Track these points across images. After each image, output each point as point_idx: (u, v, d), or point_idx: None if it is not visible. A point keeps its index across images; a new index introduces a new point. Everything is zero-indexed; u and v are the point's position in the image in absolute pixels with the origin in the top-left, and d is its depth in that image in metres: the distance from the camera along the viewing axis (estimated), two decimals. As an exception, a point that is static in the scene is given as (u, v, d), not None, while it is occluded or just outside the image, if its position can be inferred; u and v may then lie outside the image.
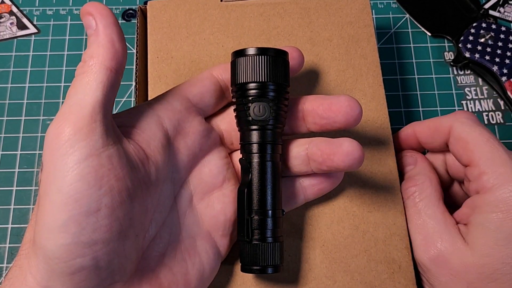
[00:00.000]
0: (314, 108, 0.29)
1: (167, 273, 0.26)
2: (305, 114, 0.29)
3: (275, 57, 0.27)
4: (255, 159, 0.28)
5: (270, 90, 0.27)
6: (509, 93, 0.41)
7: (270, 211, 0.27)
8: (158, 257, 0.26)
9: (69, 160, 0.22)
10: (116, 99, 0.27)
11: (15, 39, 0.45)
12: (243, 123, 0.28)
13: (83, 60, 0.24)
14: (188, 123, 0.28)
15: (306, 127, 0.30)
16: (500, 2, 0.46)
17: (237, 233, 0.28)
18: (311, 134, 0.30)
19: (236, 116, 0.29)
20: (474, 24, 0.43)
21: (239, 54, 0.28)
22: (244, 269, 0.28)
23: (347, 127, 0.28)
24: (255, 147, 0.28)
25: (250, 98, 0.27)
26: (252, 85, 0.27)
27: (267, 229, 0.27)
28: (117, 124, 0.25)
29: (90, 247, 0.22)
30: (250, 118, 0.27)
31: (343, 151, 0.27)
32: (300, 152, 0.29)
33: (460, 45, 0.43)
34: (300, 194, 0.30)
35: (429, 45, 0.45)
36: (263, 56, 0.27)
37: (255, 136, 0.28)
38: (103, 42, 0.24)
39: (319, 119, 0.29)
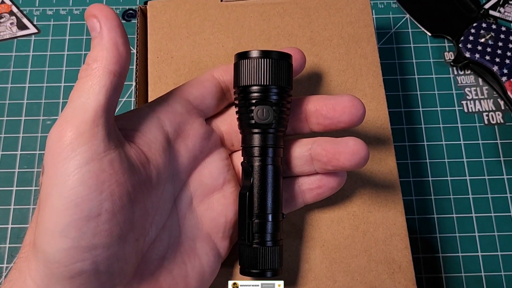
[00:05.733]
0: (317, 109, 0.29)
1: (167, 276, 0.26)
2: (308, 115, 0.29)
3: (279, 60, 0.27)
4: (257, 162, 0.28)
5: (273, 94, 0.27)
6: (509, 93, 0.41)
7: (270, 215, 0.27)
8: (158, 260, 0.26)
9: (71, 164, 0.22)
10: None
11: (15, 39, 0.45)
12: (245, 126, 0.28)
13: (87, 63, 0.24)
14: (189, 125, 0.28)
15: (309, 128, 0.30)
16: (500, 2, 0.46)
17: (238, 237, 0.28)
18: (312, 134, 0.30)
19: (238, 119, 0.29)
20: (474, 24, 0.43)
21: (243, 56, 0.28)
22: (243, 272, 0.28)
23: (351, 127, 0.28)
24: (257, 151, 0.28)
25: (253, 101, 0.27)
26: (255, 88, 0.27)
27: (267, 232, 0.27)
28: (118, 127, 0.25)
29: (90, 251, 0.22)
30: (253, 121, 0.27)
31: (349, 150, 0.27)
32: (304, 152, 0.29)
33: (460, 45, 0.43)
34: (299, 197, 0.30)
35: (429, 45, 0.45)
36: (267, 59, 0.27)
37: (257, 139, 0.28)
38: (107, 45, 0.23)
39: (323, 120, 0.29)
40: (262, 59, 0.27)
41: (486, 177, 0.40)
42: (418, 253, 0.38)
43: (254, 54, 0.27)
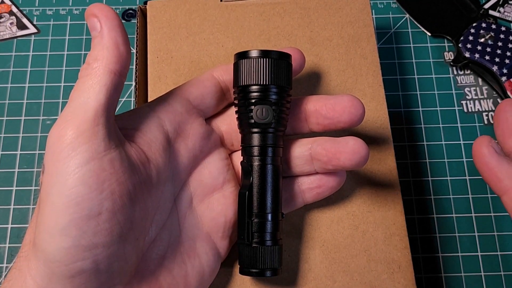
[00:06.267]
0: (317, 109, 0.29)
1: (166, 276, 0.26)
2: (307, 115, 0.29)
3: (278, 60, 0.27)
4: (256, 162, 0.28)
5: (273, 93, 0.27)
6: (509, 93, 0.41)
7: (270, 215, 0.27)
8: (158, 259, 0.26)
9: (71, 163, 0.22)
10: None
11: (15, 39, 0.45)
12: (245, 125, 0.28)
13: (87, 63, 0.24)
14: (189, 125, 0.28)
15: (308, 128, 0.30)
16: (500, 2, 0.46)
17: (237, 236, 0.28)
18: (312, 134, 0.30)
19: (238, 119, 0.29)
20: (474, 24, 0.43)
21: (242, 56, 0.28)
22: (242, 272, 0.28)
23: (351, 127, 0.29)
24: (256, 150, 0.28)
25: (253, 100, 0.27)
26: (255, 87, 0.27)
27: (266, 232, 0.27)
28: (119, 126, 0.25)
29: (90, 250, 0.22)
30: (253, 121, 0.27)
31: (349, 149, 0.27)
32: (304, 152, 0.29)
33: (460, 45, 0.43)
34: (298, 197, 0.30)
35: (429, 45, 0.45)
36: (266, 59, 0.27)
37: (256, 139, 0.28)
38: (108, 45, 0.23)
39: (322, 120, 0.29)
40: (262, 59, 0.27)
41: (486, 177, 0.40)
42: (417, 253, 0.38)
43: (254, 54, 0.27)
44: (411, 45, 0.45)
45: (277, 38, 0.35)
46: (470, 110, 0.43)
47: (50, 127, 0.23)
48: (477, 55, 0.42)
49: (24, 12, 0.47)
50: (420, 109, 0.43)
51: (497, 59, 0.42)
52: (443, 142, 0.42)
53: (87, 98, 0.23)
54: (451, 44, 0.45)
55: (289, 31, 0.35)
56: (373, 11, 0.46)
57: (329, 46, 0.35)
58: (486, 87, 0.43)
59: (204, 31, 0.35)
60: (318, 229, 0.31)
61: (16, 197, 0.40)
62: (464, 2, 0.45)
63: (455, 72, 0.44)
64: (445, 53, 0.45)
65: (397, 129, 0.42)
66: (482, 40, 0.43)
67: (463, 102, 0.43)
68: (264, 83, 0.27)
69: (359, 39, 0.35)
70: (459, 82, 0.44)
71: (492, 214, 0.39)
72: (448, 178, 0.40)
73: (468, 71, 0.44)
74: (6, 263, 0.38)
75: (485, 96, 0.43)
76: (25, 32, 0.46)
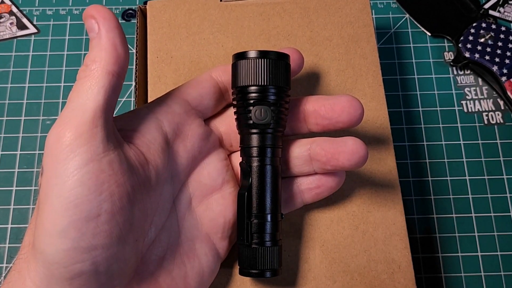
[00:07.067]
0: (316, 109, 0.29)
1: (166, 277, 0.26)
2: (306, 115, 0.29)
3: (276, 60, 0.27)
4: (255, 163, 0.28)
5: (271, 94, 0.27)
6: (509, 93, 0.41)
7: (269, 215, 0.27)
8: (157, 260, 0.26)
9: (70, 165, 0.22)
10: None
11: (15, 39, 0.45)
12: (243, 126, 0.28)
13: (85, 64, 0.24)
14: (188, 126, 0.28)
15: (307, 128, 0.30)
16: (500, 2, 0.46)
17: (237, 237, 0.28)
18: (310, 135, 0.30)
19: (236, 119, 0.29)
20: (474, 24, 0.43)
21: (240, 56, 0.28)
22: (242, 273, 0.28)
23: (349, 127, 0.28)
24: (255, 151, 0.28)
25: (251, 101, 0.27)
26: (253, 88, 0.27)
27: (266, 233, 0.27)
28: (117, 128, 0.25)
29: (89, 252, 0.22)
30: (251, 122, 0.27)
31: (348, 150, 0.27)
32: (303, 153, 0.29)
33: (460, 45, 0.43)
34: (298, 197, 0.30)
35: (429, 45, 0.45)
36: (264, 59, 0.27)
37: (255, 139, 0.28)
38: (106, 46, 0.23)
39: (321, 120, 0.29)
40: (260, 60, 0.27)
41: (486, 177, 0.40)
42: (417, 253, 0.38)
43: (252, 54, 0.27)
44: (411, 45, 0.45)
45: (277, 38, 0.35)
46: (470, 110, 0.43)
47: (50, 127, 0.23)
48: (477, 55, 0.42)
49: (24, 12, 0.47)
50: (420, 109, 0.43)
51: (497, 59, 0.42)
52: (443, 142, 0.42)
53: (86, 99, 0.23)
54: (451, 44, 0.45)
55: (288, 31, 0.35)
56: (373, 11, 0.46)
57: (329, 46, 0.35)
58: (486, 87, 0.43)
59: (204, 31, 0.35)
60: (318, 229, 0.31)
61: (16, 197, 0.40)
62: (464, 2, 0.45)
63: (455, 72, 0.44)
64: (445, 53, 0.45)
65: (397, 129, 0.42)
66: (482, 40, 0.43)
67: (463, 102, 0.43)
68: (263, 83, 0.27)
69: (359, 39, 0.35)
70: (459, 82, 0.44)
71: (492, 214, 0.39)
72: (448, 178, 0.40)
73: (468, 71, 0.44)
74: (6, 263, 0.38)
75: (485, 96, 0.43)
76: (25, 32, 0.46)
